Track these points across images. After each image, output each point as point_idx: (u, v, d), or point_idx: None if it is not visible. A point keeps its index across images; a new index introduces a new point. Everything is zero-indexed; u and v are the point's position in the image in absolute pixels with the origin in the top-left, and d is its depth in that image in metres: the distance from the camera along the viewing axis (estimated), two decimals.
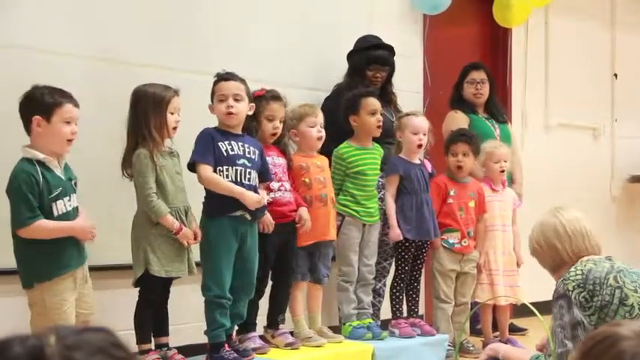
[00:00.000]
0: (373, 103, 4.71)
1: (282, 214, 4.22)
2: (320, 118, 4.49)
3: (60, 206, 3.38)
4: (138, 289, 3.83)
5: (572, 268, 3.06)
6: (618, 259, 3.12)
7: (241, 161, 3.94)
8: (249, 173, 3.95)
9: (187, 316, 4.27)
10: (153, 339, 3.88)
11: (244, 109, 3.99)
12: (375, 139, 4.79)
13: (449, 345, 4.88)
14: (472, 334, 5.37)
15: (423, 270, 5.05)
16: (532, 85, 6.78)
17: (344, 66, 5.15)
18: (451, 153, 5.09)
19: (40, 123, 3.35)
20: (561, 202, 3.43)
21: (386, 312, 4.99)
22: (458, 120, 5.55)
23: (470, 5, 6.34)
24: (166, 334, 3.92)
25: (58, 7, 4.07)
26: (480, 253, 5.16)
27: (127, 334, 3.66)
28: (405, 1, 5.74)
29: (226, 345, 3.95)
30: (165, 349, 3.89)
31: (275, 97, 4.26)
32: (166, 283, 3.88)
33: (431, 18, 5.83)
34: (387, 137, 4.90)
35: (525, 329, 5.80)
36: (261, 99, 4.22)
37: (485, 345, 5.15)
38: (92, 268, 3.61)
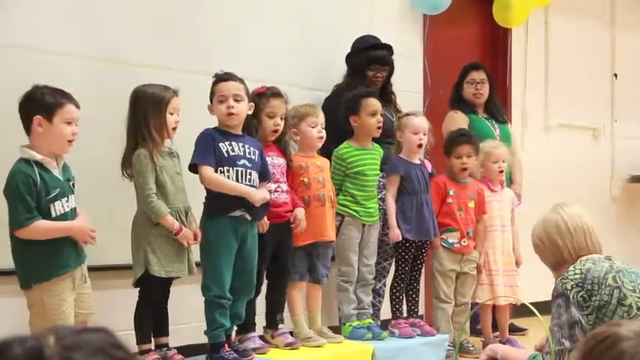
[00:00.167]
0: (374, 103, 4.70)
1: (278, 215, 4.22)
2: (321, 118, 4.50)
3: (58, 207, 3.37)
4: (138, 289, 3.83)
5: (571, 267, 3.06)
6: (618, 259, 3.12)
7: (242, 162, 3.94)
8: (250, 174, 3.95)
9: (187, 316, 4.27)
10: (153, 339, 3.88)
11: (244, 109, 3.99)
12: (375, 140, 4.79)
13: (449, 345, 4.88)
14: (472, 334, 5.37)
15: (422, 270, 5.05)
16: (532, 85, 6.78)
17: (344, 66, 5.15)
18: (455, 155, 5.07)
19: (42, 123, 3.34)
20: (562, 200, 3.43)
21: (386, 312, 4.99)
22: (458, 120, 5.55)
23: (470, 5, 6.34)
24: (166, 334, 3.92)
25: (58, 7, 4.07)
26: (479, 253, 5.16)
27: (127, 335, 3.66)
28: (405, 1, 5.74)
29: (226, 345, 3.95)
30: (165, 349, 3.89)
31: (275, 93, 4.26)
32: (166, 283, 3.88)
33: (431, 18, 5.83)
34: (387, 137, 4.90)
35: (525, 329, 5.80)
36: (262, 96, 4.23)
37: (485, 345, 5.15)
38: (92, 269, 3.61)
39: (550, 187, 6.45)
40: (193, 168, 3.93)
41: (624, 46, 7.50)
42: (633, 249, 6.94)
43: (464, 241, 5.04)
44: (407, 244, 4.83)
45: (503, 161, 5.27)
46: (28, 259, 3.37)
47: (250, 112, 4.05)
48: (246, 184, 3.93)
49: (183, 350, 4.00)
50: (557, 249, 3.18)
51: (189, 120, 3.94)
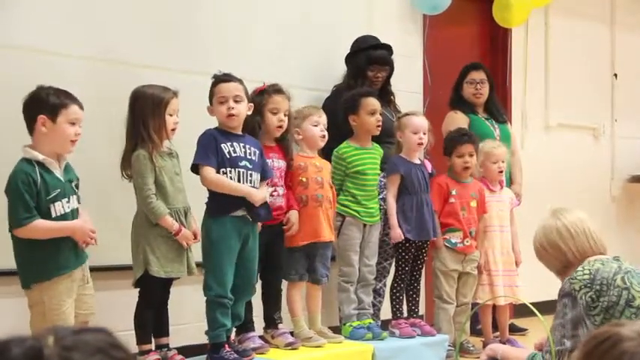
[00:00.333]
0: (373, 102, 4.71)
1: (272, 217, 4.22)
2: (324, 118, 4.52)
3: (58, 207, 3.37)
4: (138, 289, 3.83)
5: (580, 268, 3.05)
6: (626, 260, 3.11)
7: (243, 163, 3.95)
8: (251, 175, 3.97)
9: (187, 316, 4.27)
10: (153, 339, 3.88)
11: (244, 109, 4.00)
12: (375, 140, 4.79)
13: (449, 345, 4.88)
14: (472, 334, 5.37)
15: (423, 270, 5.04)
16: (532, 85, 6.78)
17: (344, 66, 5.15)
18: (457, 154, 5.06)
19: (46, 123, 3.35)
20: (561, 204, 3.43)
21: (386, 312, 4.98)
22: (457, 120, 5.55)
23: (470, 5, 6.34)
24: (166, 334, 3.92)
25: (58, 7, 4.07)
26: (480, 253, 5.16)
27: (127, 335, 3.66)
28: (405, 1, 5.74)
29: (226, 345, 3.95)
30: (166, 349, 3.88)
31: (277, 90, 4.27)
32: (166, 283, 3.88)
33: (431, 18, 5.83)
34: (387, 137, 4.89)
35: (525, 329, 5.80)
36: (264, 93, 4.23)
37: (485, 345, 5.15)
38: (92, 269, 3.61)
39: (550, 187, 6.46)
40: (195, 168, 3.94)
41: (624, 46, 7.50)
42: (633, 249, 6.94)
43: (467, 241, 5.03)
44: (407, 245, 4.83)
45: (503, 161, 5.27)
46: (28, 259, 3.38)
47: (249, 113, 4.05)
48: (248, 185, 3.94)
49: (184, 351, 4.00)
50: (560, 253, 3.17)
51: (189, 120, 3.94)
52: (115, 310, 3.88)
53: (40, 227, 3.32)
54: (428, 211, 4.85)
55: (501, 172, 5.28)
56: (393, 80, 5.22)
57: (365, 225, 4.69)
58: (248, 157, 3.97)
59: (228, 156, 3.92)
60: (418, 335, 4.79)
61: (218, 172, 3.91)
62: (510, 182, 5.66)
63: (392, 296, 4.90)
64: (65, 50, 4.06)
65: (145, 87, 3.82)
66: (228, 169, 3.92)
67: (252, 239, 4.00)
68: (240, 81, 4.01)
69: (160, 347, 3.88)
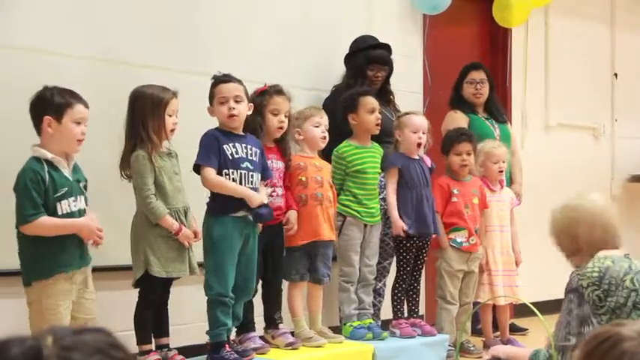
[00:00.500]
0: (371, 101, 4.71)
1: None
2: (325, 120, 4.52)
3: (64, 206, 3.38)
4: (138, 289, 3.83)
5: (590, 264, 3.00)
6: (636, 258, 3.08)
7: (245, 165, 3.95)
8: (252, 176, 3.98)
9: (188, 316, 4.27)
10: (153, 340, 3.88)
11: (244, 110, 4.00)
12: (374, 139, 4.78)
13: (449, 345, 4.88)
14: (473, 334, 5.36)
15: (423, 270, 5.04)
16: (532, 85, 6.78)
17: (343, 66, 5.14)
18: (455, 152, 5.07)
19: (51, 123, 3.37)
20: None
21: (386, 312, 4.98)
22: (457, 120, 5.55)
23: (470, 5, 6.34)
24: (167, 334, 3.92)
25: (58, 7, 4.07)
26: (485, 249, 5.17)
27: (128, 335, 3.66)
28: (405, 1, 5.73)
29: (227, 345, 3.94)
30: (166, 349, 3.88)
31: (278, 91, 4.27)
32: (166, 283, 3.88)
33: (431, 18, 5.82)
34: (387, 137, 4.89)
35: (526, 329, 5.80)
36: (265, 94, 4.23)
37: (485, 345, 5.16)
38: (92, 269, 3.61)
39: (550, 187, 6.44)
40: (197, 168, 3.94)
41: (624, 46, 7.49)
42: (633, 249, 6.87)
43: (472, 239, 5.03)
44: (408, 245, 4.83)
45: (504, 161, 5.27)
46: (31, 256, 3.39)
47: (250, 113, 4.06)
48: (249, 187, 3.95)
49: (184, 351, 4.00)
50: (575, 236, 3.09)
51: (189, 120, 3.94)
52: (115, 310, 3.88)
53: (46, 224, 3.32)
54: (428, 206, 4.84)
55: (502, 172, 5.28)
56: (392, 80, 5.22)
57: (366, 225, 4.68)
58: (249, 158, 3.98)
59: (230, 157, 3.93)
60: (418, 335, 4.79)
61: (220, 173, 3.92)
62: (510, 182, 5.66)
63: (393, 296, 4.90)
64: (65, 50, 4.06)
65: (145, 87, 3.82)
66: (231, 170, 3.93)
67: (252, 240, 4.01)
68: (239, 81, 4.02)
69: (160, 347, 3.87)
